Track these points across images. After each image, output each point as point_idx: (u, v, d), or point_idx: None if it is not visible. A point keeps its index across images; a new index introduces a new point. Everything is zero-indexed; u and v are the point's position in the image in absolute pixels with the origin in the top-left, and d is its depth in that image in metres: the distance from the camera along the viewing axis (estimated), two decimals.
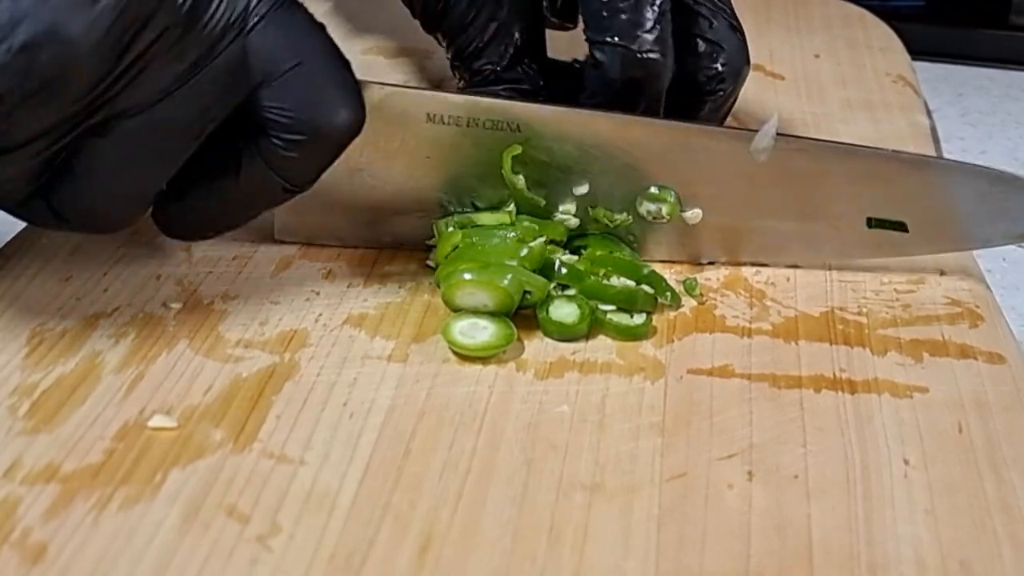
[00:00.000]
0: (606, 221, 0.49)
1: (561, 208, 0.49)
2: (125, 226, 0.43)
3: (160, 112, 0.39)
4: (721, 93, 0.51)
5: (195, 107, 0.40)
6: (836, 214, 0.49)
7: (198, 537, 0.35)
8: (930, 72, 0.80)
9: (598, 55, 0.48)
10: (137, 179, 0.41)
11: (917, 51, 0.77)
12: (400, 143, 0.47)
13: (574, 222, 0.49)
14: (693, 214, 0.49)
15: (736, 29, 0.52)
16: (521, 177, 0.48)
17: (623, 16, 0.48)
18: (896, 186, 0.49)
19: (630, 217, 0.49)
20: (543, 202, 0.48)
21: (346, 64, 0.42)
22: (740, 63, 0.51)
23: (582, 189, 0.48)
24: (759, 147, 0.48)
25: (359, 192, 0.48)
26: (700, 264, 0.50)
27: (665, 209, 0.49)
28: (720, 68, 0.51)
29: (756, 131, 0.48)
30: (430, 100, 0.47)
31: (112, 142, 0.40)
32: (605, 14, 0.48)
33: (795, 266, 0.50)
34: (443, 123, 0.47)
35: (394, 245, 0.50)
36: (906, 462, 0.39)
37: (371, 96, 0.44)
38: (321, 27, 0.42)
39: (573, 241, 0.49)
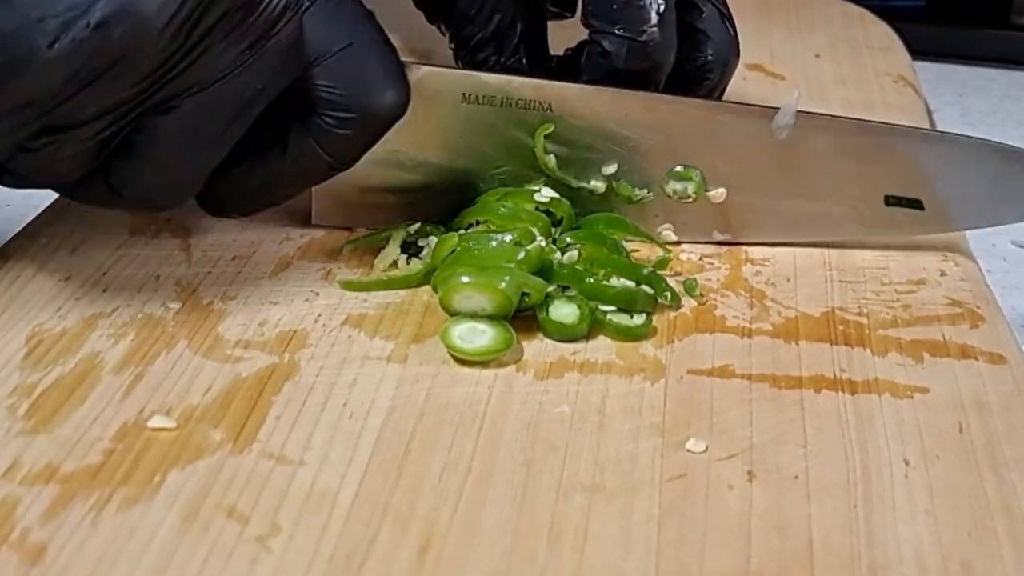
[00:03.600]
0: (628, 195, 0.50)
1: (590, 186, 0.50)
2: (179, 203, 0.44)
3: (220, 91, 0.41)
4: (707, 83, 0.52)
5: (253, 85, 0.41)
6: (855, 193, 0.50)
7: (197, 538, 0.35)
8: (930, 72, 0.80)
9: (605, 45, 0.49)
10: (195, 156, 0.42)
11: (917, 51, 0.77)
12: (435, 123, 0.48)
13: (601, 187, 0.50)
14: (718, 193, 0.50)
15: (727, 20, 0.52)
16: (552, 157, 0.49)
17: (631, 8, 0.49)
18: (912, 162, 0.49)
19: (651, 194, 0.50)
20: (573, 181, 0.49)
21: (392, 48, 0.44)
22: (728, 54, 0.52)
23: (610, 168, 0.50)
24: (779, 124, 0.49)
25: (395, 174, 0.49)
26: (719, 243, 0.51)
27: (691, 188, 0.50)
28: (707, 58, 0.51)
29: (777, 109, 0.49)
30: (465, 80, 0.48)
31: (173, 120, 0.41)
32: (614, 6, 0.49)
33: (800, 244, 0.51)
34: (478, 103, 0.48)
35: (429, 223, 0.50)
36: (907, 462, 0.39)
37: (409, 77, 0.45)
38: (369, 13, 0.44)
39: (566, 237, 0.49)
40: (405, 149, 0.49)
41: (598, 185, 0.50)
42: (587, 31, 0.50)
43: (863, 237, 0.51)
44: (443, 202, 0.50)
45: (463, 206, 0.50)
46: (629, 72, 0.49)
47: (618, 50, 0.49)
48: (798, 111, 0.49)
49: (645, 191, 0.50)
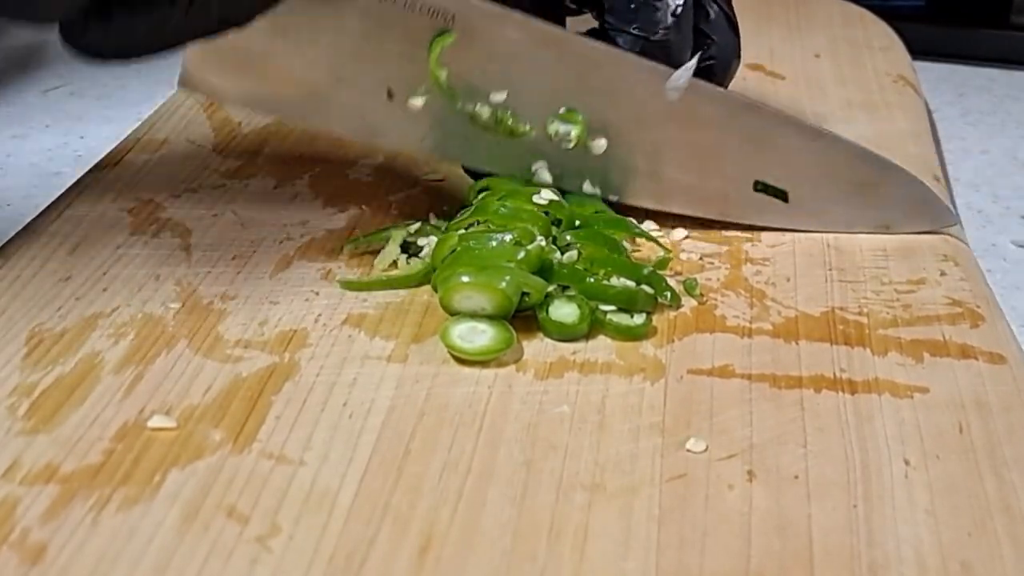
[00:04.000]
0: (511, 128, 0.49)
1: (475, 110, 0.49)
2: (57, 18, 0.41)
3: None
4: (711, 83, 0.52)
5: None
6: (729, 172, 0.51)
7: (197, 538, 0.35)
8: (930, 72, 0.80)
9: (620, 42, 0.50)
10: None
11: (917, 51, 0.77)
12: (332, 11, 0.47)
13: (486, 112, 0.49)
14: (599, 143, 0.50)
15: (731, 23, 0.53)
16: (445, 71, 0.48)
17: (647, 9, 0.50)
18: (787, 153, 0.51)
19: (533, 131, 0.50)
20: (460, 98, 0.49)
21: None
22: (730, 57, 0.53)
23: (499, 96, 0.49)
24: (672, 86, 0.49)
25: (276, 56, 0.48)
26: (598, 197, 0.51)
27: (574, 132, 0.50)
28: (711, 60, 0.52)
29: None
30: None
31: None
32: (632, 5, 0.50)
33: (682, 216, 0.52)
34: None
35: (293, 124, 0.50)
36: (906, 462, 0.39)
37: None
38: None
39: (565, 236, 0.49)
40: (294, 31, 0.47)
41: (483, 110, 0.49)
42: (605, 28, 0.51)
43: (726, 218, 0.52)
44: (316, 103, 0.49)
45: (339, 113, 0.49)
46: None
47: (631, 48, 0.50)
48: (693, 77, 0.49)
49: (528, 127, 0.49)
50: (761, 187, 0.51)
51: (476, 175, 0.53)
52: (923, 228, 0.52)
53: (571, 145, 0.50)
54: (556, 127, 0.50)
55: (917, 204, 0.52)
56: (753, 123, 0.50)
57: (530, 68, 0.49)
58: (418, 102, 0.49)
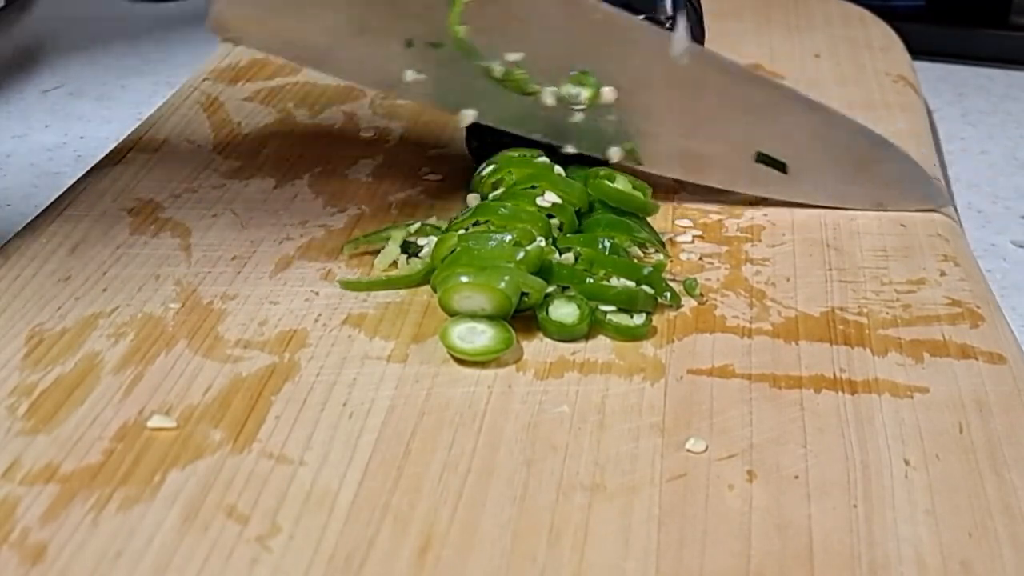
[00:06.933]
0: (522, 86, 0.51)
1: (489, 66, 0.51)
2: None
3: None
4: None
5: None
6: (735, 139, 0.53)
7: (197, 538, 0.35)
8: (930, 72, 0.80)
9: None
10: None
11: (917, 51, 0.77)
12: None
13: (498, 70, 0.50)
14: (608, 90, 0.51)
15: (697, 13, 0.56)
16: (464, 27, 0.50)
17: None
18: (790, 126, 0.52)
19: (543, 90, 0.51)
20: (478, 52, 0.50)
21: None
22: (696, 37, 0.55)
23: (514, 56, 0.51)
24: (679, 50, 0.51)
25: (304, 3, 0.49)
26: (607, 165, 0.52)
27: (585, 94, 0.51)
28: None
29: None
30: None
31: None
32: None
33: (680, 182, 0.54)
34: None
35: (331, 74, 0.52)
36: (907, 462, 0.39)
37: None
38: None
39: (567, 239, 0.49)
40: None
41: (495, 66, 0.50)
42: None
43: (728, 187, 0.53)
44: (337, 51, 0.50)
45: (358, 62, 0.50)
46: None
47: None
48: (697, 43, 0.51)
49: (538, 87, 0.51)
50: (762, 158, 0.53)
51: (480, 156, 0.53)
52: (916, 207, 0.54)
53: (582, 108, 0.51)
54: (568, 89, 0.51)
55: (911, 183, 0.54)
56: (758, 94, 0.52)
57: (546, 29, 0.50)
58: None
